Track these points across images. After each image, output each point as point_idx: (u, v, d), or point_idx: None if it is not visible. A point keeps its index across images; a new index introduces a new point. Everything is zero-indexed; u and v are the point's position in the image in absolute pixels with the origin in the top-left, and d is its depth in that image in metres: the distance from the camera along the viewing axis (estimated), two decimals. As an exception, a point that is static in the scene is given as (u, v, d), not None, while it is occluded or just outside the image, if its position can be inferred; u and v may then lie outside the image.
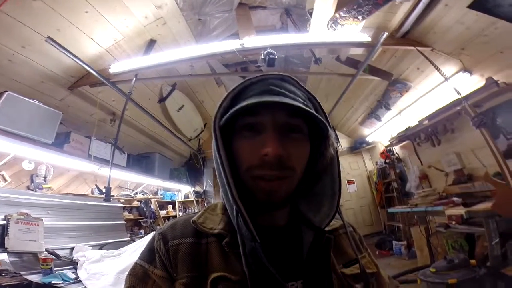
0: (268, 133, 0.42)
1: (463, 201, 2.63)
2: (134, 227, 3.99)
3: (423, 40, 2.61)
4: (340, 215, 0.51)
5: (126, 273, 0.48)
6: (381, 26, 2.61)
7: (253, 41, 2.45)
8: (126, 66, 2.54)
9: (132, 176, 3.83)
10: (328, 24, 2.33)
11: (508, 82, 2.38)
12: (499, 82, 2.40)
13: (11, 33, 1.94)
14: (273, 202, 0.44)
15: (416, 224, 3.47)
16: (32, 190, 2.61)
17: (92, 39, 2.36)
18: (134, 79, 2.67)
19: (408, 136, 3.85)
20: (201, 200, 5.45)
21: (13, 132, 2.11)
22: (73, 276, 1.82)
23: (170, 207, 5.02)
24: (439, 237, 2.92)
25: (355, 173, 5.95)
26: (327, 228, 0.48)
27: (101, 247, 2.53)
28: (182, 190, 5.51)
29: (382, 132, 4.74)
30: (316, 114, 0.43)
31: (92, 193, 3.38)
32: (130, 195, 4.19)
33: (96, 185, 3.44)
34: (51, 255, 1.97)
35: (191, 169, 5.61)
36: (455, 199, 2.74)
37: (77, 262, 2.05)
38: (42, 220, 2.15)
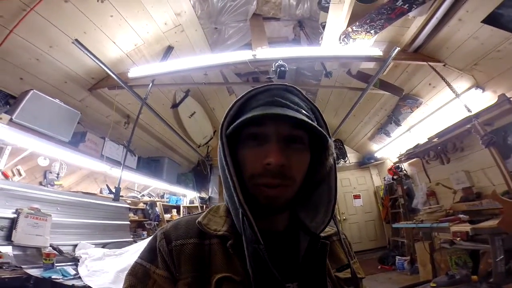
0: (271, 143, 0.45)
1: (469, 218, 2.58)
2: (137, 229, 4.00)
3: (435, 55, 2.62)
4: (335, 222, 0.53)
5: (126, 272, 0.48)
6: (393, 41, 2.65)
7: (265, 52, 2.52)
8: (144, 71, 2.64)
9: (141, 178, 3.87)
10: (340, 38, 2.38)
11: (521, 99, 2.34)
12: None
13: (41, 33, 2.05)
14: (274, 208, 0.46)
15: (421, 240, 3.43)
16: (44, 186, 2.67)
17: (114, 42, 2.48)
18: (151, 84, 2.77)
19: (417, 154, 3.82)
20: (206, 207, 5.45)
21: (33, 128, 2.19)
22: (73, 272, 1.84)
23: (174, 211, 5.03)
24: (443, 253, 2.91)
25: (361, 188, 5.89)
26: (322, 234, 0.50)
27: (103, 245, 2.56)
28: (188, 195, 5.53)
29: (391, 148, 4.72)
30: (318, 127, 0.45)
31: (101, 192, 3.44)
32: (137, 196, 4.23)
33: (107, 185, 3.50)
34: (55, 251, 2.00)
35: (198, 175, 5.64)
36: (461, 216, 2.69)
37: (79, 259, 2.07)
38: (50, 215, 2.20)
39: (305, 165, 0.48)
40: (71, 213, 2.51)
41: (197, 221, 0.50)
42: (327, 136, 0.47)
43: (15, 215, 1.96)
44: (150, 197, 4.53)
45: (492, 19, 2.02)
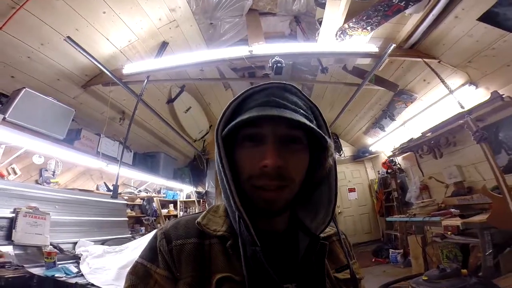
0: (268, 144, 0.44)
1: (460, 212, 2.65)
2: (135, 225, 4.02)
3: (430, 51, 2.64)
4: (335, 222, 0.54)
5: (128, 269, 0.48)
6: (389, 37, 2.64)
7: (261, 48, 2.50)
8: (139, 67, 2.60)
9: (137, 174, 3.87)
10: (336, 34, 2.36)
11: (513, 96, 2.38)
12: (504, 96, 2.40)
13: (32, 31, 2.00)
14: (273, 211, 0.46)
15: (413, 233, 3.50)
16: (40, 184, 2.65)
17: (107, 39, 2.43)
18: (146, 80, 2.73)
19: (411, 148, 3.88)
20: (203, 201, 5.49)
21: (27, 127, 2.17)
22: (75, 270, 1.86)
23: (171, 206, 5.06)
24: (434, 246, 2.98)
25: (356, 181, 5.99)
26: (322, 235, 0.50)
27: (102, 242, 2.57)
28: (184, 190, 5.54)
29: (385, 142, 4.78)
30: (316, 129, 0.44)
31: (97, 189, 3.43)
32: (133, 192, 4.23)
33: (105, 183, 3.49)
34: (55, 249, 2.01)
35: (194, 169, 5.65)
36: (452, 210, 2.76)
37: (79, 257, 2.09)
38: (49, 214, 2.20)
39: (304, 166, 0.47)
40: (69, 211, 2.52)
41: (196, 221, 0.50)
42: (327, 136, 0.46)
43: (14, 215, 1.96)
44: (147, 193, 4.53)
45: (487, 17, 2.02)
